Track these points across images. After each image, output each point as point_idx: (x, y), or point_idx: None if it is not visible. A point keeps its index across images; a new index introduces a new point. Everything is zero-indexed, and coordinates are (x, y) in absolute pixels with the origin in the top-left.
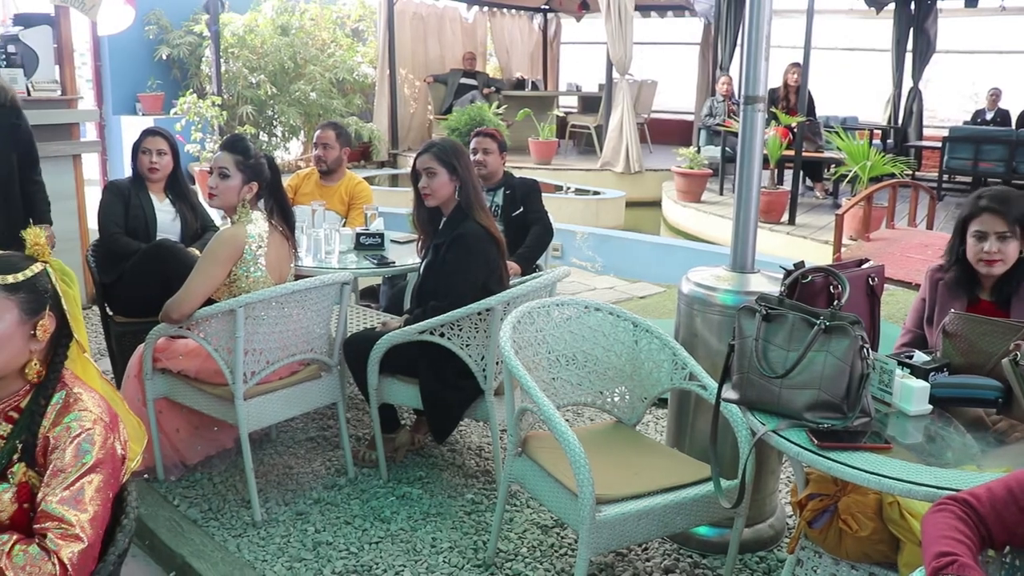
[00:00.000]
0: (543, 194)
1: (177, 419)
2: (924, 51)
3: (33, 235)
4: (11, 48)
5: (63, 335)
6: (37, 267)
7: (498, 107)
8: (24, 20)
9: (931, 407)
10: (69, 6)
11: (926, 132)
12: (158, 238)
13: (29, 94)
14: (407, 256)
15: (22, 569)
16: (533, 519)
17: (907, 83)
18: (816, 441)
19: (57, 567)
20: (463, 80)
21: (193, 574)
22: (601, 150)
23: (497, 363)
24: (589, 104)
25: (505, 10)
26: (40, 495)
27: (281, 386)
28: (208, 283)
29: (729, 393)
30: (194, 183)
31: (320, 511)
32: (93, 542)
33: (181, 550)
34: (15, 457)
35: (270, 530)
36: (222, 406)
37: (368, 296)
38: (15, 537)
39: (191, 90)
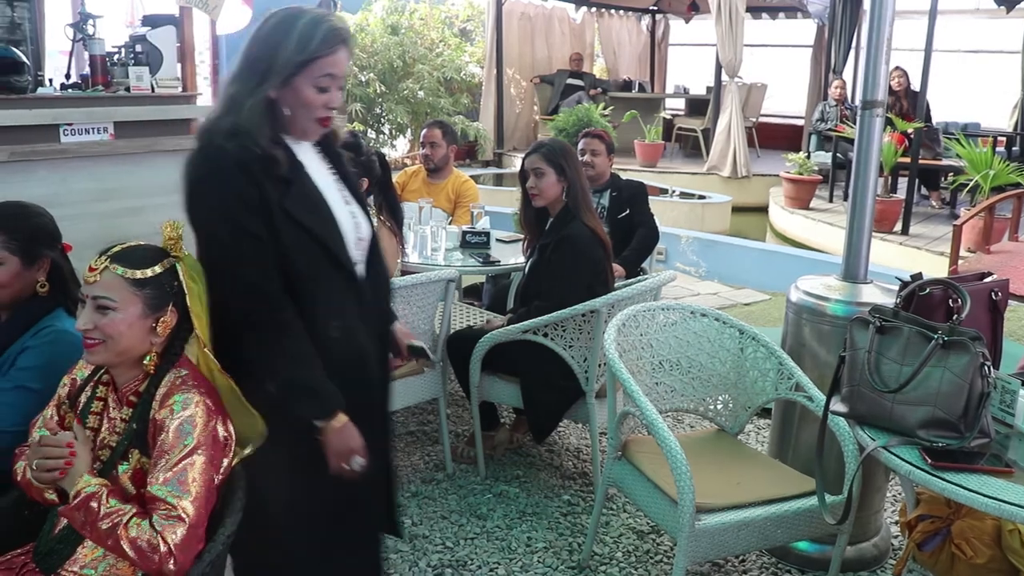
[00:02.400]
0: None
1: None
2: None
3: (170, 228)
4: (139, 47)
5: (182, 329)
6: (166, 263)
7: (604, 108)
8: (151, 21)
9: None
10: (193, 7)
11: None
12: None
13: (153, 90)
14: (512, 255)
15: (134, 540)
16: (629, 524)
17: None
18: (930, 460)
19: (163, 547)
20: (570, 81)
21: None
22: (708, 154)
23: (600, 365)
24: (696, 107)
25: (613, 11)
26: (150, 477)
27: None
28: None
29: (838, 406)
30: None
31: (417, 504)
32: (196, 523)
33: None
34: (132, 442)
35: None
36: None
37: (471, 294)
38: (135, 510)
39: None
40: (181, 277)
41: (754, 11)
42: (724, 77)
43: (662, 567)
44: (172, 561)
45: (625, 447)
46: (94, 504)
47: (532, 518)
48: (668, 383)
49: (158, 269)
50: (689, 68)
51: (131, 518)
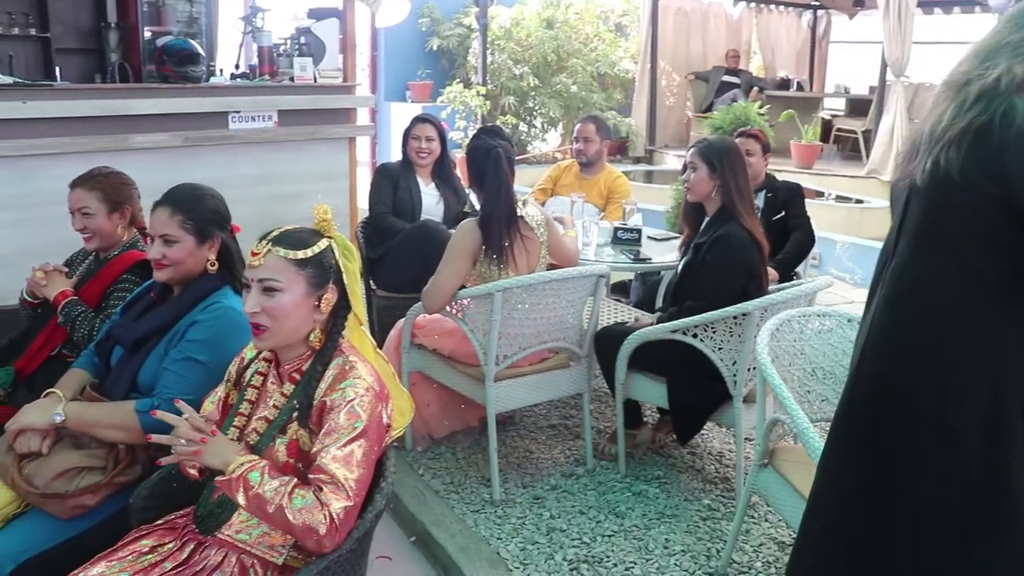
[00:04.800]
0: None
1: (428, 393)
2: None
3: (321, 211)
4: (303, 39)
5: (342, 307)
6: (324, 243)
7: (760, 107)
8: (316, 14)
9: None
10: (356, 0)
11: None
12: (422, 219)
13: (315, 81)
14: (663, 253)
15: (299, 511)
16: (770, 534)
17: None
18: None
19: (326, 518)
20: (725, 78)
21: (432, 541)
22: (868, 156)
23: (749, 369)
24: (857, 107)
25: (772, 7)
26: (315, 449)
27: (530, 372)
28: (454, 275)
29: None
30: (456, 169)
31: (556, 498)
32: (357, 501)
33: (422, 517)
34: (293, 415)
35: (507, 510)
36: (472, 385)
37: (618, 291)
38: (295, 481)
39: (457, 80)
40: (337, 256)
41: (926, 6)
42: (889, 76)
43: None
44: (332, 535)
45: (772, 455)
46: (255, 477)
47: (671, 520)
48: (820, 392)
49: (317, 249)
50: (851, 66)
51: (294, 488)
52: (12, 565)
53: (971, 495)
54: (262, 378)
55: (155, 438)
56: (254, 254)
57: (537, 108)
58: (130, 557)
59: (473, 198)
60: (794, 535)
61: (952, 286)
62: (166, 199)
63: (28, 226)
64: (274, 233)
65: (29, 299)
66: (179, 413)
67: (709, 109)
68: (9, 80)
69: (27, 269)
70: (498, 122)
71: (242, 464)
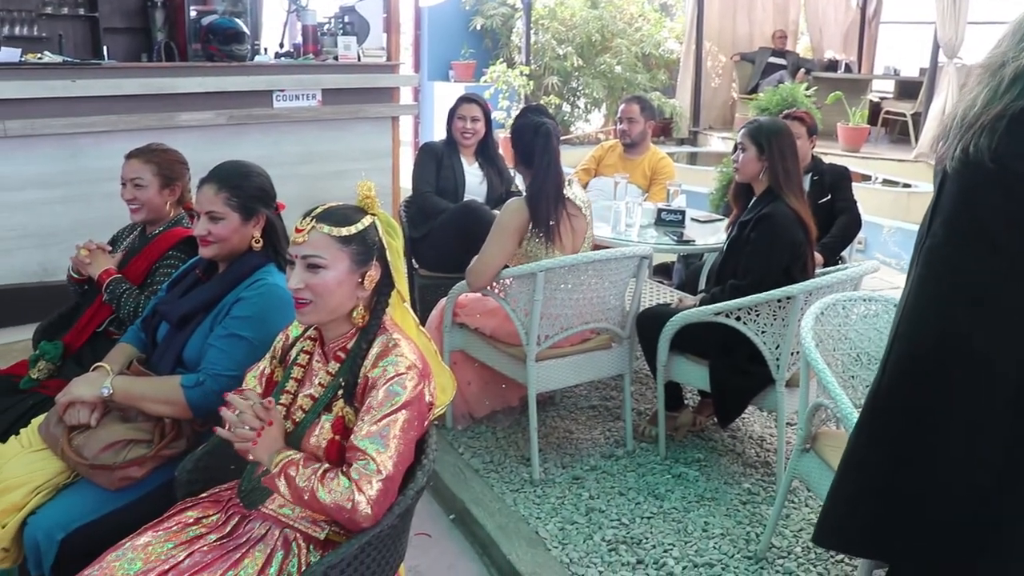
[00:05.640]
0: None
1: (469, 372)
2: None
3: (364, 188)
4: (347, 18)
5: (386, 284)
6: (367, 220)
7: (807, 88)
8: None
9: None
10: None
11: None
12: (465, 199)
13: (359, 59)
14: (707, 236)
15: (330, 492)
16: (811, 519)
17: None
18: None
19: (359, 495)
20: (771, 59)
21: (471, 519)
22: (917, 140)
23: (792, 353)
24: (907, 89)
25: None
26: (356, 427)
27: (572, 352)
28: (499, 253)
29: None
30: (498, 149)
31: (596, 479)
32: (393, 477)
33: (462, 495)
34: (339, 393)
35: (546, 490)
36: (514, 365)
37: (660, 273)
38: (326, 465)
39: (501, 59)
40: (380, 233)
41: None
42: (942, 58)
43: (843, 567)
44: (366, 511)
45: (814, 440)
46: (292, 471)
47: (710, 503)
48: (864, 377)
49: (361, 226)
50: (902, 47)
51: (325, 473)
52: (62, 533)
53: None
54: (307, 356)
55: (220, 427)
56: (298, 231)
57: (581, 88)
58: (175, 528)
59: (518, 179)
60: None
61: (984, 270)
62: (212, 176)
63: (77, 203)
64: (318, 210)
65: (76, 276)
66: (227, 390)
67: (754, 91)
68: (59, 59)
69: (75, 246)
70: (541, 102)
71: (280, 461)
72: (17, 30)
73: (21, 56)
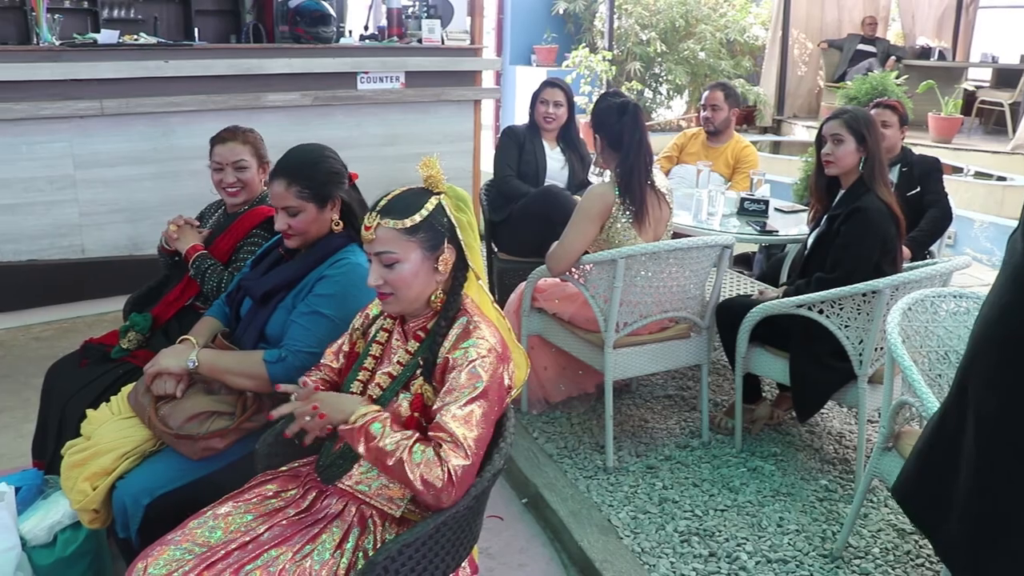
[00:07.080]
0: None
1: (546, 357)
2: None
3: (426, 167)
4: (432, 1)
5: (461, 264)
6: (432, 203)
7: (898, 77)
8: None
9: None
10: None
11: None
12: (546, 183)
13: (443, 43)
14: (790, 226)
15: (418, 466)
16: (890, 520)
17: None
18: None
19: (444, 475)
20: (860, 46)
21: (544, 504)
22: (1015, 131)
23: (876, 349)
24: (1005, 78)
25: None
26: (436, 406)
27: (650, 340)
28: (581, 238)
29: None
30: (580, 134)
31: (670, 469)
32: (475, 460)
33: (535, 480)
34: (418, 371)
35: (619, 478)
36: (591, 351)
37: (740, 263)
38: (417, 435)
39: (583, 44)
40: (448, 212)
41: None
42: None
43: (923, 571)
44: (450, 491)
45: (897, 439)
46: (376, 427)
47: (786, 498)
48: (951, 376)
49: (425, 212)
50: (1001, 33)
51: (415, 443)
52: (148, 499)
53: None
54: (387, 335)
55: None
56: (366, 228)
57: (663, 74)
58: (255, 500)
59: (592, 173)
60: None
61: None
62: (280, 170)
63: (167, 179)
64: (382, 203)
65: (166, 247)
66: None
67: (842, 79)
68: (153, 40)
69: (165, 222)
70: (623, 88)
71: (365, 414)
72: (116, 12)
73: (119, 37)
